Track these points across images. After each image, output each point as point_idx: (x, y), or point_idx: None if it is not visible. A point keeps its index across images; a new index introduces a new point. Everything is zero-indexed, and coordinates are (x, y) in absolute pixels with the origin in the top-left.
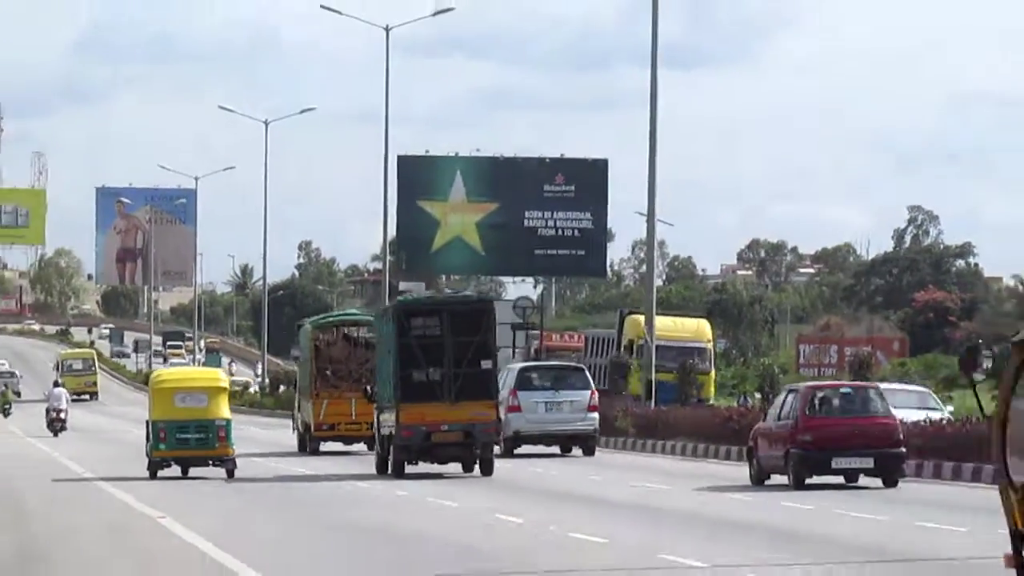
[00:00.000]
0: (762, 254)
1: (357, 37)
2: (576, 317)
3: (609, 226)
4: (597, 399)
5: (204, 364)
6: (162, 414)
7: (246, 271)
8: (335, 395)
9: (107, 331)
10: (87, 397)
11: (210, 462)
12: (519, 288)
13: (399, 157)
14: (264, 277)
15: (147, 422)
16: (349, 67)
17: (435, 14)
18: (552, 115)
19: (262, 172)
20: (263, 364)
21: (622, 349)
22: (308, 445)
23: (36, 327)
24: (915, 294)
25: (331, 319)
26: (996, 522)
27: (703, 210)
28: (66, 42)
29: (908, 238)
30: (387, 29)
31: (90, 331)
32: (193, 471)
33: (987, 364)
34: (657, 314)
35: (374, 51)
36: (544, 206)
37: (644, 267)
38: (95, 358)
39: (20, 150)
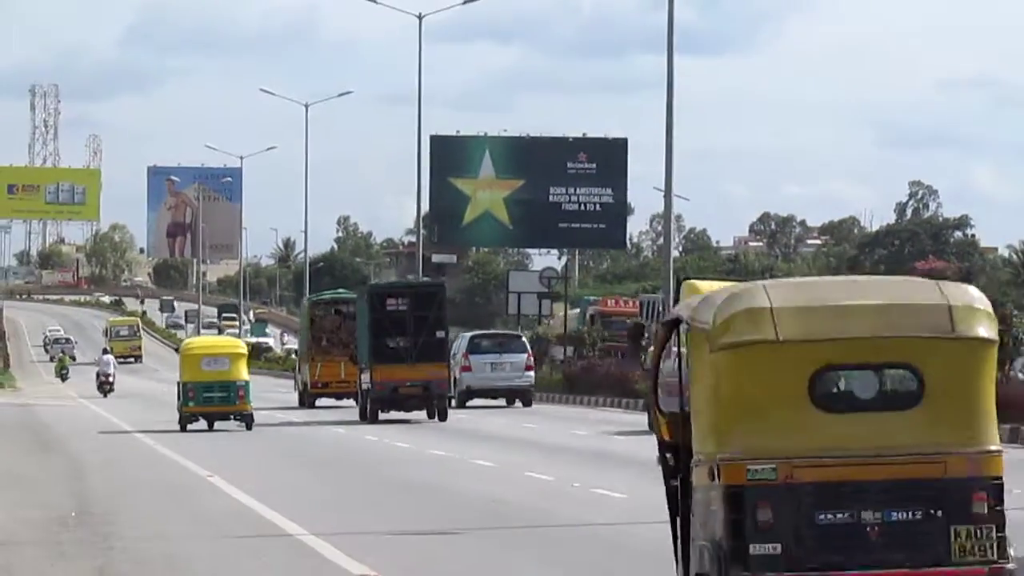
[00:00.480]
0: (772, 227)
1: (391, 24)
2: (598, 287)
3: (628, 200)
4: (532, 360)
5: (251, 333)
6: (191, 376)
7: (288, 244)
8: (328, 359)
9: (159, 301)
10: (132, 360)
11: (232, 417)
12: (544, 259)
13: (431, 137)
14: (305, 250)
15: (178, 383)
16: (384, 53)
17: (465, 2)
18: (575, 96)
19: (303, 152)
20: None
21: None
22: (306, 400)
23: (105, 299)
24: (916, 264)
25: (324, 297)
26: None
27: (717, 185)
28: (120, 30)
29: (909, 211)
30: (420, 17)
31: (142, 301)
32: (217, 424)
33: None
34: (711, 279)
35: (407, 37)
36: (567, 182)
37: (662, 239)
38: (139, 325)
39: (77, 132)
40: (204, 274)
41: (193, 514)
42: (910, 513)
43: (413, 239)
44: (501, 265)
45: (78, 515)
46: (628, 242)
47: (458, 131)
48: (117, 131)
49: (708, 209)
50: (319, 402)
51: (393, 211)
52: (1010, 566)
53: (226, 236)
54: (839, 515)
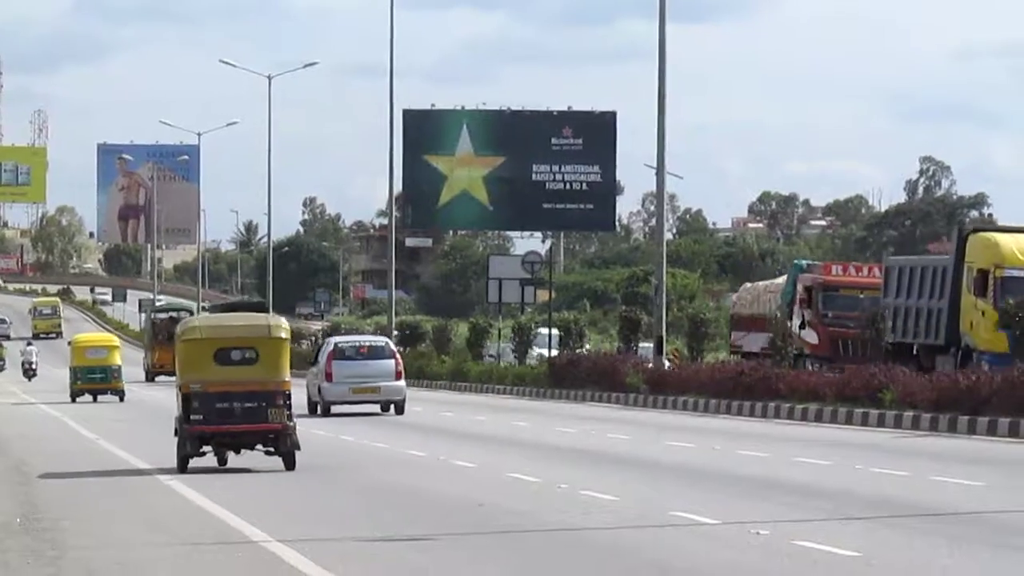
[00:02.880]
0: (773, 206)
1: None
2: (585, 272)
3: (618, 179)
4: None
5: None
6: (78, 362)
7: (250, 228)
8: (163, 349)
9: (111, 291)
10: (53, 336)
11: (109, 392)
12: (527, 243)
13: (404, 111)
14: (268, 234)
15: (70, 368)
16: (353, 20)
17: None
18: (559, 67)
19: (265, 128)
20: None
21: (967, 284)
22: (149, 376)
23: (52, 288)
24: (929, 245)
25: (162, 307)
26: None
27: (713, 162)
28: None
29: (920, 189)
30: None
31: (92, 290)
32: (100, 398)
33: None
34: (1001, 231)
35: (378, 3)
36: (552, 159)
37: (654, 221)
38: (59, 304)
39: (20, 107)
40: (159, 260)
41: (147, 518)
42: (255, 404)
43: (385, 221)
44: (480, 249)
45: (24, 520)
46: (617, 224)
47: (433, 105)
48: (64, 106)
49: (704, 188)
50: (158, 379)
51: (363, 191)
52: (291, 424)
53: (183, 219)
54: (225, 404)
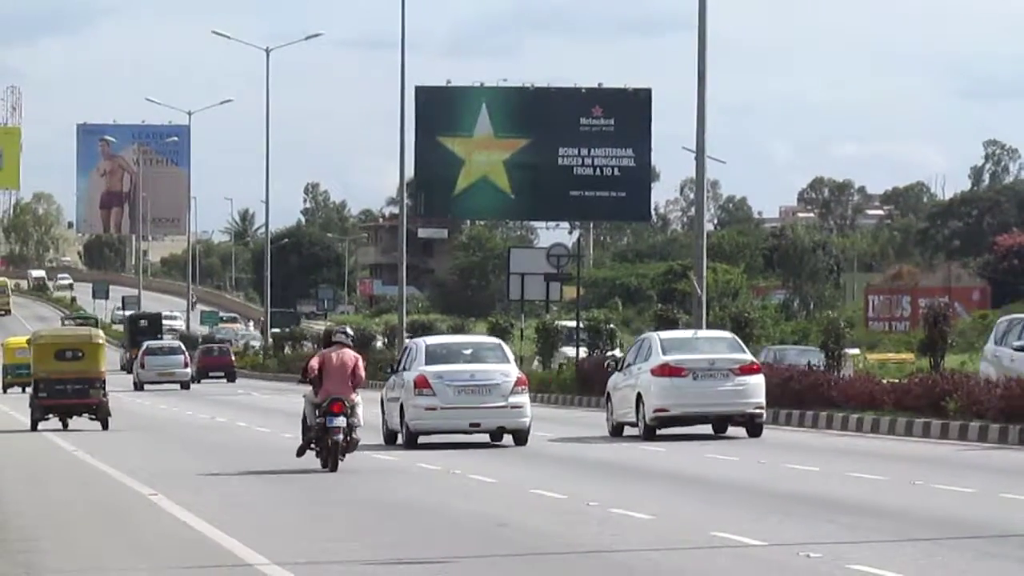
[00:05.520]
0: (825, 194)
1: None
2: (616, 267)
3: (653, 164)
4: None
5: (203, 322)
6: (9, 360)
7: (246, 217)
8: None
9: (91, 286)
10: (2, 313)
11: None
12: (552, 234)
13: (417, 88)
14: (266, 224)
15: (2, 365)
16: None
17: None
18: (589, 40)
19: (263, 106)
20: (266, 320)
21: None
22: None
23: (33, 274)
24: (997, 238)
25: (70, 316)
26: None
27: (759, 146)
28: None
29: (986, 176)
30: None
31: (71, 286)
32: (28, 389)
33: None
34: None
35: None
36: (580, 142)
37: (693, 210)
38: (7, 285)
39: None
40: (145, 253)
41: (129, 538)
42: (81, 386)
43: (395, 210)
44: (501, 241)
45: None
46: (653, 214)
47: (449, 81)
48: (41, 82)
49: (749, 174)
50: None
51: (371, 177)
52: (105, 400)
53: (171, 207)
54: (62, 386)
